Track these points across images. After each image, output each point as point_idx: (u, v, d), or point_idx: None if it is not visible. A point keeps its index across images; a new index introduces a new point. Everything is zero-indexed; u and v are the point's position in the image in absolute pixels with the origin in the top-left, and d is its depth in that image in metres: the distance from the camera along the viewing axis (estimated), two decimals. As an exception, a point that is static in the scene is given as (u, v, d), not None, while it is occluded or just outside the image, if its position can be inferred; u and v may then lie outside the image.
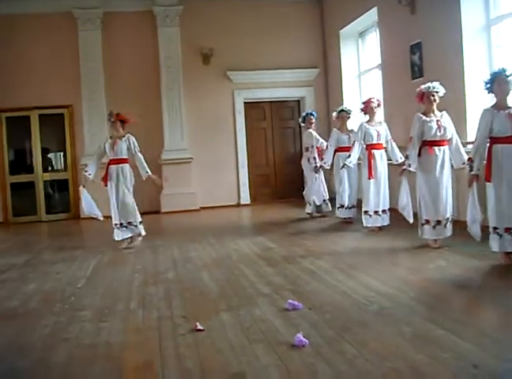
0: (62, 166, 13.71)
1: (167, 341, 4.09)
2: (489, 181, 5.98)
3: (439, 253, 6.66)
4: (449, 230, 7.00)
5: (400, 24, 9.98)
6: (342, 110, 9.96)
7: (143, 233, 8.57)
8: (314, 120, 10.56)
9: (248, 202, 13.89)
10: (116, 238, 8.38)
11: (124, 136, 8.64)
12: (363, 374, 3.34)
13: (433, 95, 6.98)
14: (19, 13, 12.95)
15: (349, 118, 9.97)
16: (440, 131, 6.93)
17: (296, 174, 13.74)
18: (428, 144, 6.94)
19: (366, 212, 8.58)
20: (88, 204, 8.62)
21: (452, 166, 7.07)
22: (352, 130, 9.66)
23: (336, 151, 9.78)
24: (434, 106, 7.04)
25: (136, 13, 13.40)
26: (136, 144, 8.67)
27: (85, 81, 13.12)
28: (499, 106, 5.96)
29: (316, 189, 10.25)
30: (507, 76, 5.91)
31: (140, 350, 3.95)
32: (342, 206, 9.58)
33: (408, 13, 9.56)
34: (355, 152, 8.74)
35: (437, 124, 6.92)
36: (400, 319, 4.28)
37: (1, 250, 9.14)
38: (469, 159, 6.30)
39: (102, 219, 8.70)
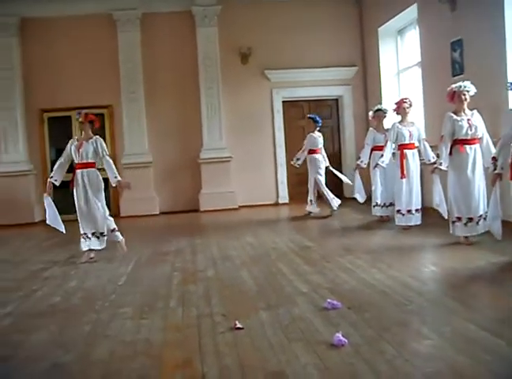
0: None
1: (206, 339, 4.11)
2: None
3: (475, 251, 6.61)
4: (481, 228, 7.00)
5: (441, 21, 9.84)
6: (378, 110, 10.03)
7: (119, 239, 8.01)
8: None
9: (286, 201, 13.88)
10: (82, 248, 7.71)
11: (91, 138, 7.89)
12: (402, 375, 3.29)
13: (464, 95, 7.06)
14: (59, 16, 13.22)
15: (385, 117, 9.97)
16: (471, 130, 7.01)
17: (333, 173, 13.64)
18: (459, 142, 7.04)
19: (398, 210, 8.65)
20: (51, 214, 7.93)
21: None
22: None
23: (372, 150, 9.84)
24: (465, 106, 7.11)
25: (174, 13, 13.50)
26: (104, 146, 7.91)
27: (125, 82, 13.30)
28: None
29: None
30: None
31: (179, 348, 3.97)
32: (377, 204, 9.62)
33: (449, 9, 9.41)
34: (388, 152, 8.81)
35: (468, 123, 6.99)
36: (440, 319, 4.23)
37: (43, 248, 9.31)
38: (493, 157, 6.34)
39: (64, 232, 7.88)
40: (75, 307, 5.30)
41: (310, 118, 11.26)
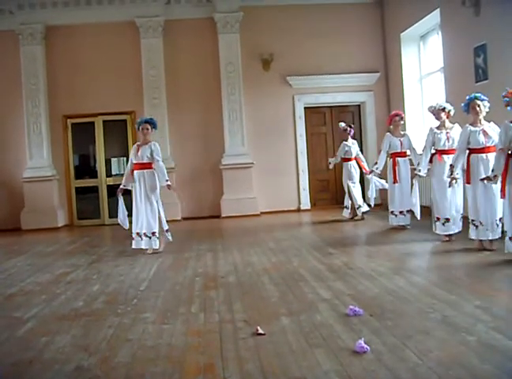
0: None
1: (228, 344, 4.11)
2: None
3: (503, 259, 6.50)
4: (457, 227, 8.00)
5: (464, 26, 9.78)
6: (395, 115, 9.94)
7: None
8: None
9: (308, 207, 13.84)
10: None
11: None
12: (426, 383, 3.27)
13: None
14: (82, 23, 13.41)
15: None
16: (449, 141, 7.99)
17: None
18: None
19: (392, 211, 9.56)
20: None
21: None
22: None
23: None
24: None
25: (196, 19, 13.60)
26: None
27: (147, 88, 13.40)
28: None
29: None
30: None
31: (201, 353, 3.97)
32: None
33: (472, 14, 9.35)
34: (382, 160, 9.78)
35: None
36: (464, 327, 4.17)
37: (66, 252, 9.39)
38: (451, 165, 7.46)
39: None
40: (98, 311, 5.32)
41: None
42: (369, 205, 11.08)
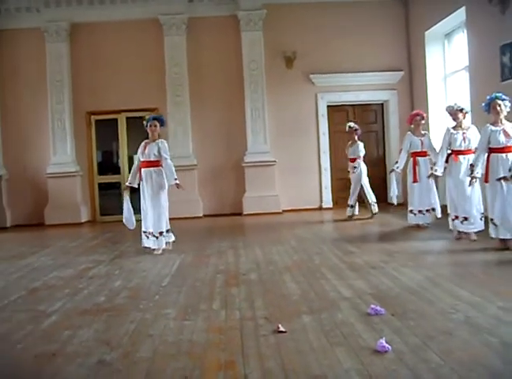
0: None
1: (249, 341, 4.11)
2: None
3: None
4: (479, 226, 8.00)
5: (490, 24, 9.67)
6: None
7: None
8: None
9: (330, 205, 13.81)
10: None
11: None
12: (448, 384, 3.24)
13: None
14: (106, 21, 13.52)
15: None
16: (465, 142, 8.08)
17: (378, 178, 13.58)
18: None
19: (411, 210, 9.58)
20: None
21: None
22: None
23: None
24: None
25: (220, 17, 13.62)
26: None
27: (170, 85, 13.46)
28: None
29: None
30: None
31: (222, 350, 3.98)
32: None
33: (499, 12, 9.25)
34: (402, 159, 9.77)
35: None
36: (487, 329, 4.12)
37: (89, 248, 9.47)
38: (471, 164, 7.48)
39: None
40: (120, 306, 5.36)
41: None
42: (391, 204, 11.00)
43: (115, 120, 13.72)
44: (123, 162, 13.80)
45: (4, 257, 8.85)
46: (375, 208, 11.36)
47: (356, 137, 11.49)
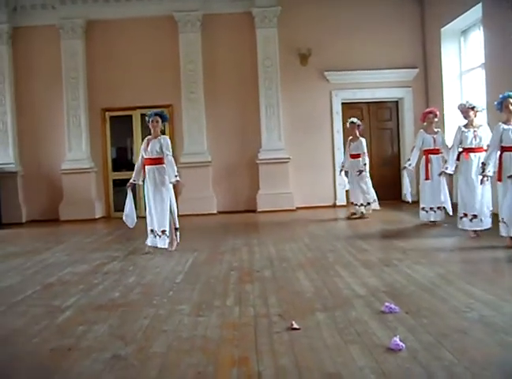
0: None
1: (262, 338, 4.12)
2: None
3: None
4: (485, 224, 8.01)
5: (507, 21, 9.60)
6: (429, 113, 9.86)
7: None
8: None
9: (344, 203, 13.76)
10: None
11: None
12: (462, 382, 3.23)
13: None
14: (121, 18, 13.57)
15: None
16: (475, 140, 8.06)
17: (392, 176, 13.54)
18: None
19: (423, 208, 9.57)
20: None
21: None
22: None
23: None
24: None
25: (234, 14, 13.63)
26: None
27: (185, 82, 13.49)
28: None
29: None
30: None
31: (236, 346, 3.99)
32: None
33: (516, 9, 9.19)
34: (414, 157, 9.70)
35: (473, 134, 7.56)
36: (502, 328, 4.11)
37: (103, 244, 9.53)
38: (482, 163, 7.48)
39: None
40: (134, 302, 5.39)
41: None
42: (406, 202, 10.91)
43: (130, 116, 13.77)
44: (137, 158, 13.81)
45: (19, 252, 8.91)
46: (371, 207, 11.34)
47: (358, 133, 11.42)
